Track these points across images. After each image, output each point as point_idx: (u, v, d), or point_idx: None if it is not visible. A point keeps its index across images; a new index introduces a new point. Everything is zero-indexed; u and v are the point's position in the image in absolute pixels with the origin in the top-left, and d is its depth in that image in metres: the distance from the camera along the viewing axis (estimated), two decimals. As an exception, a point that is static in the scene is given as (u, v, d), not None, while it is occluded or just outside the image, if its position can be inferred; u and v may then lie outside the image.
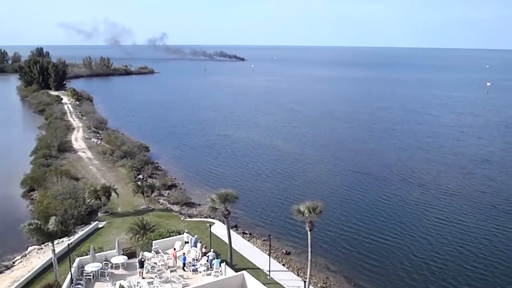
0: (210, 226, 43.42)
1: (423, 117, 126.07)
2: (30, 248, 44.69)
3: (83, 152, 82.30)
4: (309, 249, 33.70)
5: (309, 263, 34.16)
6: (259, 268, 38.42)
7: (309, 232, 33.28)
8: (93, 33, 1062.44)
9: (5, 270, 40.59)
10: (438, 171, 72.43)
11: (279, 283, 36.18)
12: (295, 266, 40.97)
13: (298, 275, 38.52)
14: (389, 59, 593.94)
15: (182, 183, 66.53)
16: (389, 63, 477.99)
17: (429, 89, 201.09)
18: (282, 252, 44.20)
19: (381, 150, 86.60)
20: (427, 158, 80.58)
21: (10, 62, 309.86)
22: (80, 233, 46.36)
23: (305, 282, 33.69)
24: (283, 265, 40.51)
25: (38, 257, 42.57)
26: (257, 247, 43.94)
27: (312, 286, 36.01)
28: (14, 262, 42.16)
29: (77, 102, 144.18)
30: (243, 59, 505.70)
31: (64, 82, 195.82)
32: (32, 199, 59.50)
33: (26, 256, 43.52)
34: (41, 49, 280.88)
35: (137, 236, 43.12)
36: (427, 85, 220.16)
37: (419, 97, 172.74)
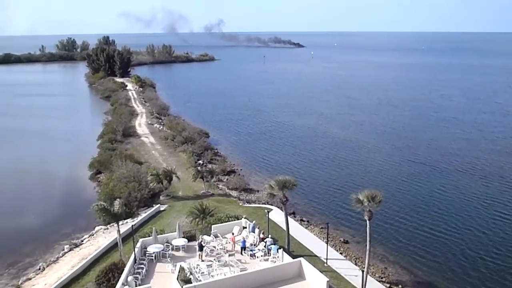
0: (268, 212, 43.37)
1: (488, 105, 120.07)
2: (97, 228, 46.36)
3: (146, 137, 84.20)
4: (368, 239, 32.85)
5: (367, 252, 33.32)
6: (316, 256, 38.00)
7: (368, 222, 32.45)
8: (151, 21, 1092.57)
9: (74, 247, 42.35)
10: (503, 163, 68.71)
11: (336, 271, 35.63)
12: (353, 255, 40.14)
13: (356, 264, 37.72)
14: (451, 44, 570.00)
15: (241, 169, 66.86)
16: (452, 48, 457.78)
17: (495, 76, 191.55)
18: (340, 240, 43.48)
19: (441, 140, 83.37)
20: (491, 149, 76.76)
21: (79, 50, 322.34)
22: (143, 215, 47.53)
23: (363, 271, 32.83)
24: (340, 253, 39.79)
25: (104, 237, 44.12)
26: (314, 234, 43.42)
27: (370, 275, 35.08)
28: (82, 241, 43.91)
29: (141, 89, 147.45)
30: (301, 46, 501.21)
31: (129, 70, 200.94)
32: (99, 181, 61.49)
33: (93, 235, 45.24)
34: (107, 37, 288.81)
35: (197, 220, 43.64)
36: (492, 72, 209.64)
37: (483, 84, 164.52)
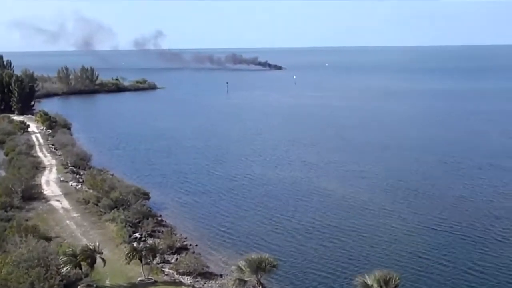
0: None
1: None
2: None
3: (57, 200, 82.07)
4: None
5: None
6: None
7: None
8: (59, 33, 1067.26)
9: None
10: None
11: None
12: None
13: None
14: (478, 61, 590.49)
15: (196, 245, 65.92)
16: (480, 67, 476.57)
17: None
18: None
19: (477, 198, 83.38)
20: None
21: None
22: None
23: None
24: None
25: None
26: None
27: None
28: None
29: (49, 131, 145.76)
30: (279, 68, 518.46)
31: (32, 103, 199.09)
32: (-14, 267, 59.63)
33: None
34: (1, 57, 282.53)
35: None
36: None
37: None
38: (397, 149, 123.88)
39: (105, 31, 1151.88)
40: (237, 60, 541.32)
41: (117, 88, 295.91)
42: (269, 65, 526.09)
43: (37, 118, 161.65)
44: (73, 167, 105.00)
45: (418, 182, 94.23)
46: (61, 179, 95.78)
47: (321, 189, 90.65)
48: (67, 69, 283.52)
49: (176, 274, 56.89)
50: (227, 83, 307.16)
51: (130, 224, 69.85)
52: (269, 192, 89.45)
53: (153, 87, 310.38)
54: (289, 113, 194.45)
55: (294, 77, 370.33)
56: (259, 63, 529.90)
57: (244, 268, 37.53)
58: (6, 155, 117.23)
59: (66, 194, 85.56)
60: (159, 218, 75.40)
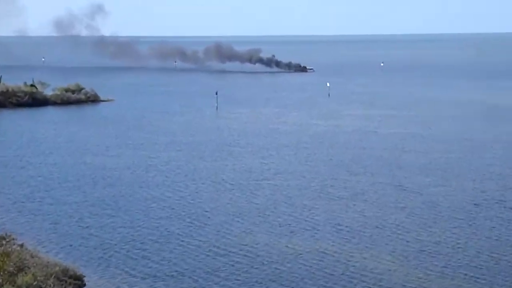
0: None
1: None
2: None
3: None
4: None
5: None
6: None
7: None
8: None
9: None
10: None
11: None
12: None
13: None
14: None
15: None
16: None
17: None
18: None
19: None
20: None
21: None
22: None
23: None
24: None
25: None
26: None
27: None
28: None
29: None
30: (305, 70, 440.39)
31: None
32: None
33: None
34: None
35: None
36: None
37: None
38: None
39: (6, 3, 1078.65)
40: (225, 55, 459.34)
41: (33, 100, 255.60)
42: (280, 64, 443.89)
43: None
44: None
45: None
46: None
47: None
48: None
49: None
50: (216, 93, 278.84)
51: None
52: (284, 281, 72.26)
53: (93, 99, 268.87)
54: (318, 144, 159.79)
55: (328, 84, 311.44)
56: (263, 61, 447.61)
57: None
58: None
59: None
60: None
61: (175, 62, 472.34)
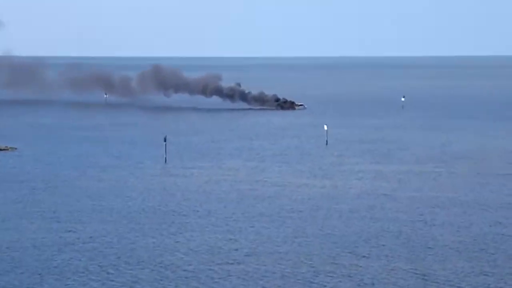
0: None
1: None
2: None
3: None
4: None
5: None
6: None
7: None
8: None
9: None
10: None
11: None
12: None
13: None
14: None
15: None
16: None
17: None
18: None
19: None
20: None
21: None
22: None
23: None
24: None
25: None
26: None
27: None
28: None
29: None
30: (290, 105, 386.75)
31: None
32: None
33: None
34: None
35: None
36: None
37: None
38: None
39: None
40: (169, 83, 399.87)
41: None
42: (248, 97, 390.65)
43: None
44: None
45: None
46: None
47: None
48: None
49: None
50: (165, 140, 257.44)
51: None
52: None
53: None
54: (310, 214, 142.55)
55: (325, 127, 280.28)
56: (223, 92, 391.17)
57: None
58: None
59: None
60: None
61: (106, 94, 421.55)
